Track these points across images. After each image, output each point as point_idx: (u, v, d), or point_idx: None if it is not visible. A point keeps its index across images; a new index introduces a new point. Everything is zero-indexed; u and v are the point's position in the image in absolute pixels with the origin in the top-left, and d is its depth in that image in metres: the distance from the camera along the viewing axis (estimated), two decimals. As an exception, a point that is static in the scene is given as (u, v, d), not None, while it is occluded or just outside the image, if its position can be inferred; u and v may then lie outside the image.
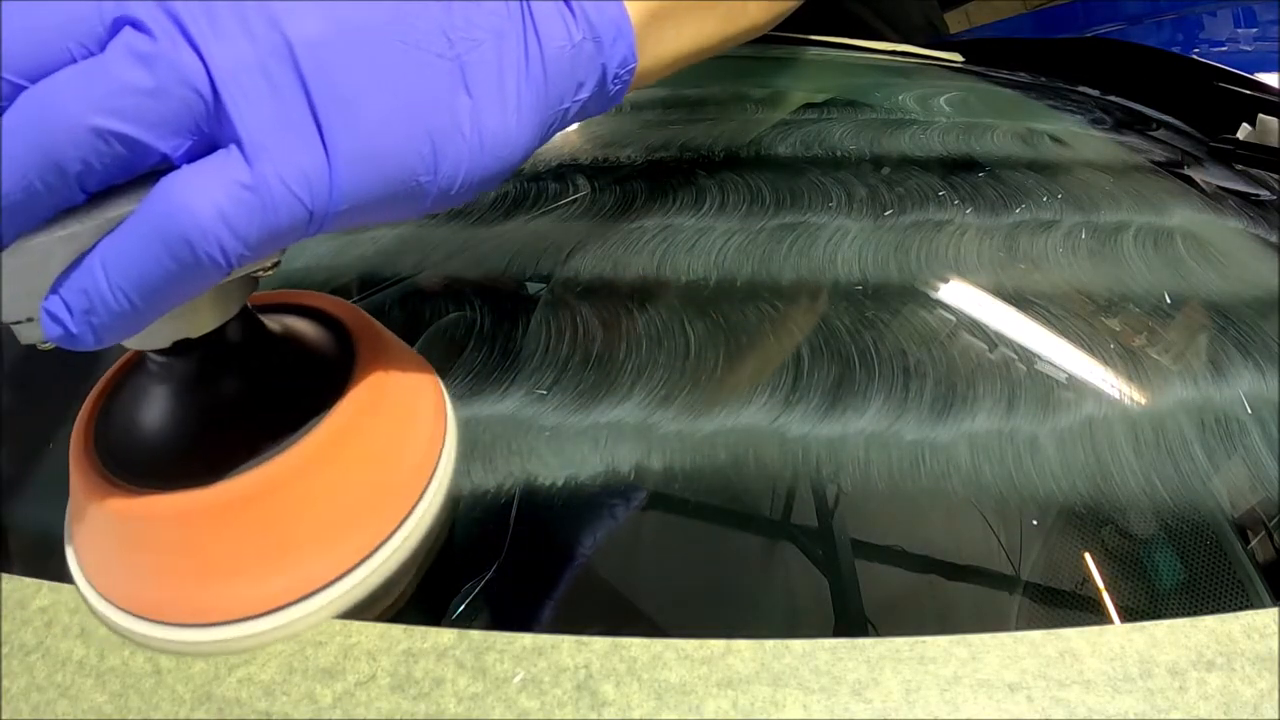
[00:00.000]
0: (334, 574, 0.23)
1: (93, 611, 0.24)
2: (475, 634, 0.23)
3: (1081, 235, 0.42)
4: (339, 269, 0.47)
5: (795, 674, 0.22)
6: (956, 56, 0.79)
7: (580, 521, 0.30)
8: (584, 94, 0.24)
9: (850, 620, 0.28)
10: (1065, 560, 0.29)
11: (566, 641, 0.23)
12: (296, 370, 0.25)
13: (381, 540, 0.23)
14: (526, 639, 0.23)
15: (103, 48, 0.17)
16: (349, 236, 0.52)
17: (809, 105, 0.59)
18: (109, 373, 0.26)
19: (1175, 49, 0.93)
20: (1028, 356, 0.35)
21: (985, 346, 0.35)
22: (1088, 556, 0.29)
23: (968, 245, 0.40)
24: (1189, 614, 0.23)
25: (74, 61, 0.17)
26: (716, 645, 0.22)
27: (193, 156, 0.17)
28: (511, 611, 0.27)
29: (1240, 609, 0.23)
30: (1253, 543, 0.30)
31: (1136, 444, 0.31)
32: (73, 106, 0.16)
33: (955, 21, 1.36)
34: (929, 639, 0.23)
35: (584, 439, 0.31)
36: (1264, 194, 0.49)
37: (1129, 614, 0.27)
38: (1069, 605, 0.28)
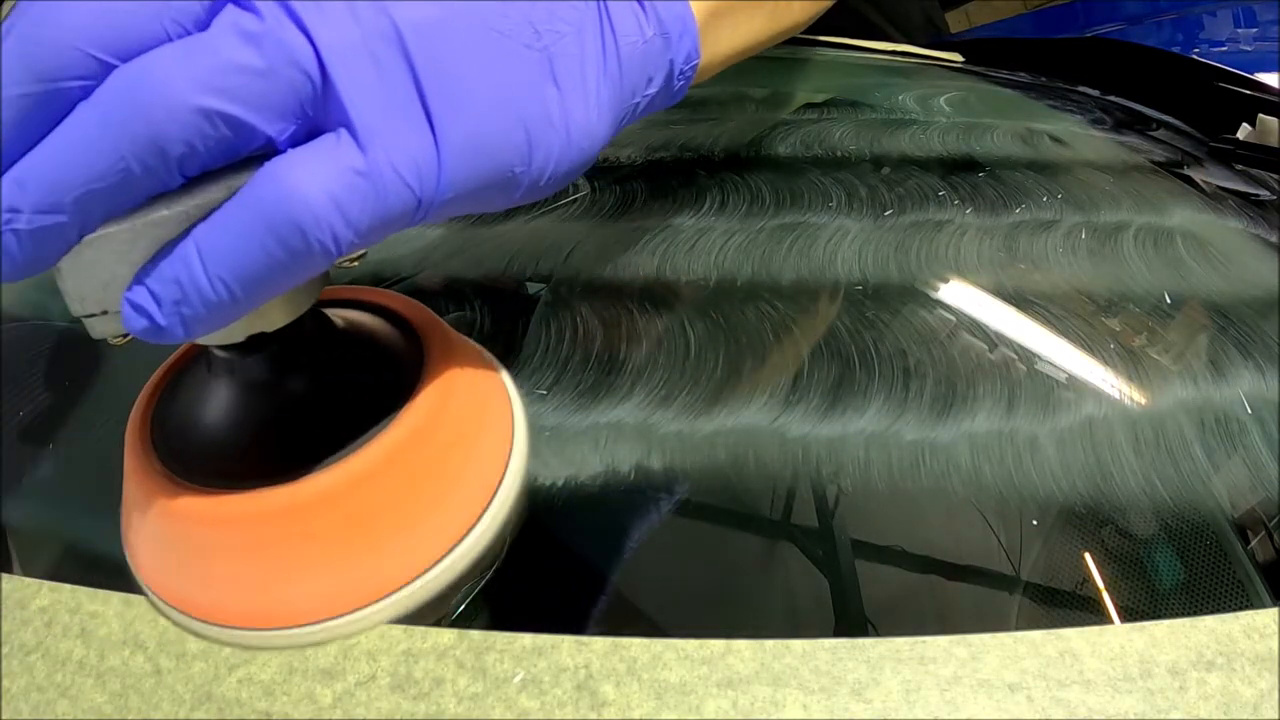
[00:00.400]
0: (410, 575, 0.22)
1: (164, 615, 0.24)
2: (475, 634, 0.23)
3: (1081, 235, 0.42)
4: (339, 269, 0.47)
5: (795, 674, 0.22)
6: (956, 56, 0.79)
7: (579, 521, 0.30)
8: (653, 89, 0.24)
9: (850, 620, 0.28)
10: (1065, 560, 0.29)
11: (566, 641, 0.23)
12: (367, 368, 0.24)
13: (455, 541, 0.23)
14: (526, 639, 0.23)
15: (201, 27, 0.16)
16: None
17: (809, 105, 0.59)
18: (162, 369, 0.26)
19: (1175, 49, 0.93)
20: (1028, 356, 0.35)
21: (985, 346, 0.35)
22: (1088, 556, 0.29)
23: (968, 245, 0.40)
24: (1189, 614, 0.23)
25: (169, 40, 0.15)
26: (716, 645, 0.22)
27: (295, 141, 0.17)
28: (512, 611, 0.27)
29: (1240, 609, 0.23)
30: (1253, 543, 0.30)
31: (1136, 444, 0.31)
32: (177, 85, 0.15)
33: (955, 21, 1.36)
34: (929, 639, 0.23)
35: (584, 439, 0.31)
36: (1264, 194, 0.49)
37: (1129, 614, 0.27)
38: (1069, 605, 0.28)
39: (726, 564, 0.30)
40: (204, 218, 0.16)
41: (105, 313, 0.17)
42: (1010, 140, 0.52)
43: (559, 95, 0.20)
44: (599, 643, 0.23)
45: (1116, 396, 0.34)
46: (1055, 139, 0.54)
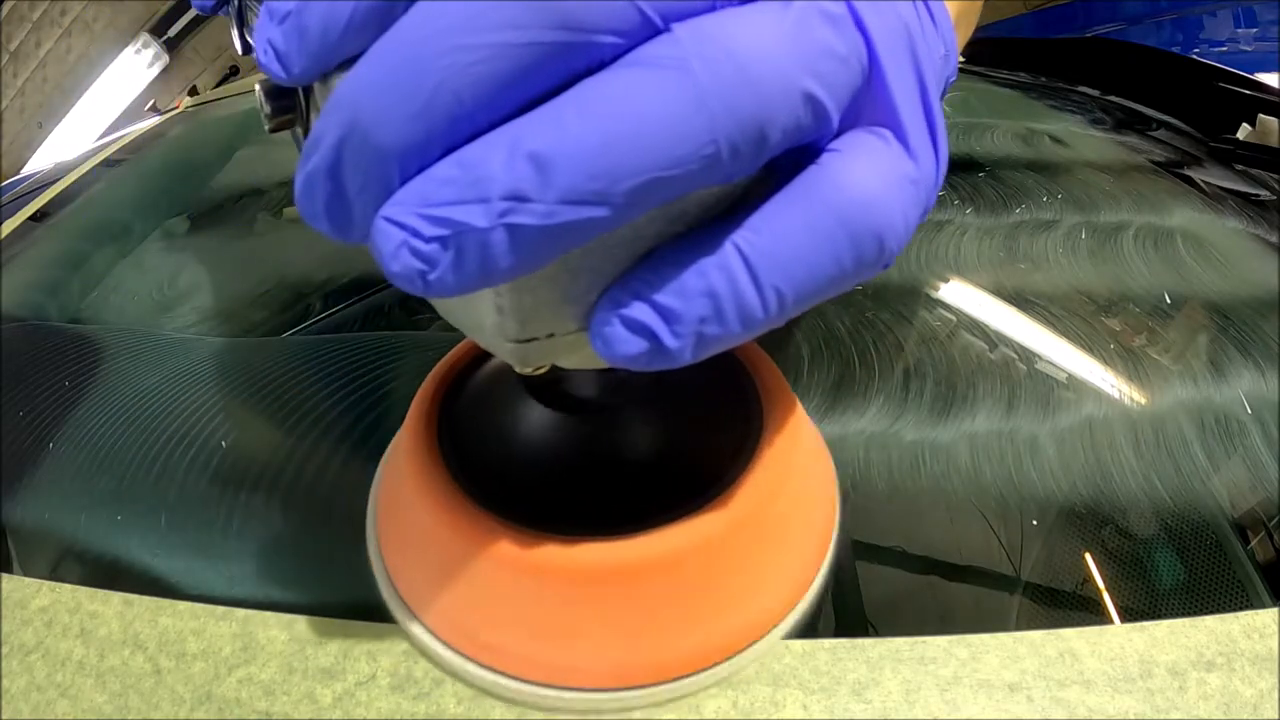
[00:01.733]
0: (749, 638, 0.20)
1: (430, 657, 0.21)
2: (475, 634, 0.23)
3: (1081, 235, 0.42)
4: (339, 269, 0.47)
5: (795, 674, 0.22)
6: (956, 56, 0.78)
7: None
8: None
9: (850, 620, 0.28)
10: (1065, 560, 0.29)
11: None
12: (705, 413, 0.22)
13: (789, 607, 0.21)
14: (526, 639, 0.23)
15: None
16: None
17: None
18: (437, 381, 0.23)
19: (1175, 49, 0.93)
20: (1028, 356, 0.35)
21: (985, 346, 0.35)
22: (1088, 556, 0.29)
23: (968, 245, 0.40)
24: (1189, 614, 0.23)
25: (713, 8, 0.12)
26: (716, 645, 0.22)
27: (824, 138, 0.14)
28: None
29: (1240, 609, 0.23)
30: (1253, 543, 0.30)
31: (1136, 444, 0.31)
32: (785, 63, 0.12)
33: (955, 21, 1.36)
34: (929, 639, 0.23)
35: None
36: (1264, 194, 0.49)
37: (1129, 614, 0.27)
38: (1069, 605, 0.28)
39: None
40: (704, 216, 0.14)
41: (551, 336, 0.14)
42: (1010, 140, 0.52)
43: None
44: (599, 643, 0.23)
45: (1116, 396, 0.34)
46: (1055, 139, 0.54)
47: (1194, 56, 0.72)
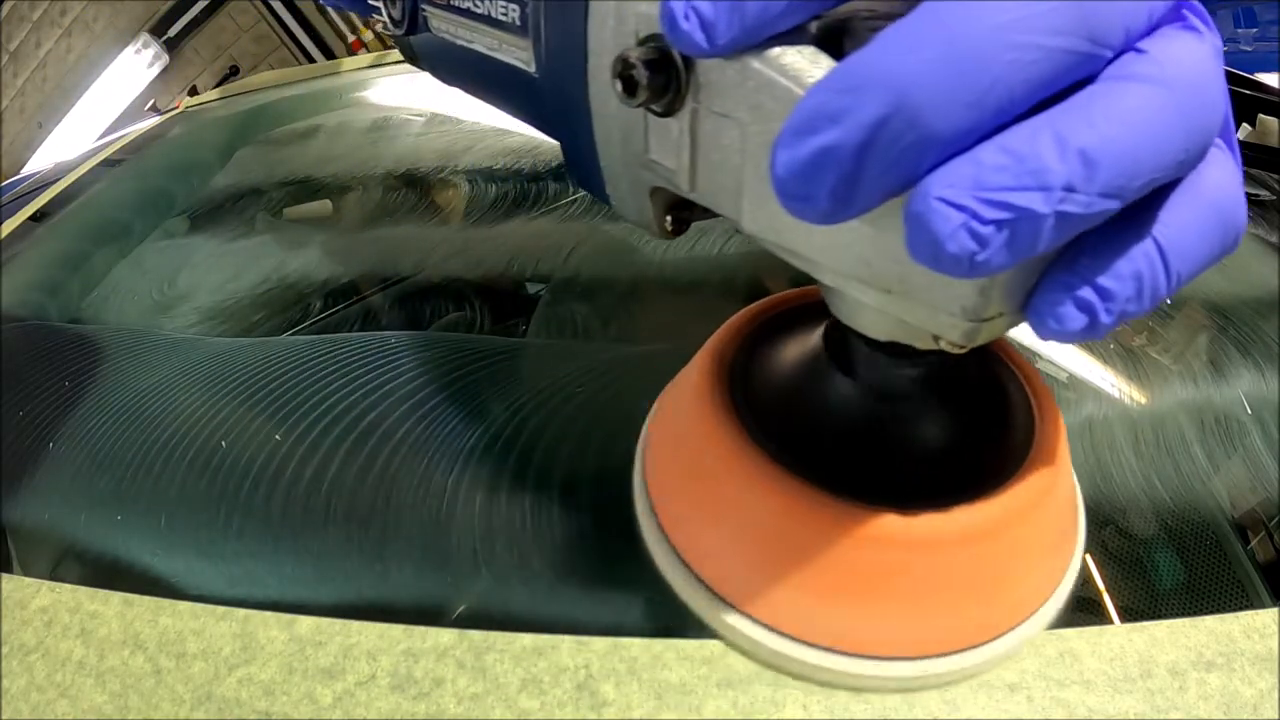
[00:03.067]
0: (1028, 610, 0.21)
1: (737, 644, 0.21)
2: (475, 634, 0.23)
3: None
4: (340, 269, 0.47)
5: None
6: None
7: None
8: None
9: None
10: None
11: (566, 641, 0.23)
12: (989, 407, 0.22)
13: (1059, 582, 0.22)
14: (526, 639, 0.23)
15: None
16: (350, 236, 0.52)
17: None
18: (719, 351, 0.22)
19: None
20: (1028, 356, 0.35)
21: (985, 346, 0.35)
22: (1088, 557, 0.29)
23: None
24: (1189, 614, 0.23)
25: (1150, 31, 0.14)
26: (716, 645, 0.22)
27: None
28: (512, 611, 0.27)
29: (1240, 609, 0.23)
30: (1253, 543, 0.30)
31: (1136, 444, 0.31)
32: (1217, 89, 0.14)
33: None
34: (929, 639, 0.23)
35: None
36: (1264, 194, 0.49)
37: (1129, 614, 0.27)
38: (1069, 606, 0.28)
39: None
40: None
41: (1000, 316, 0.15)
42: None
43: None
44: (599, 643, 0.23)
45: (1116, 396, 0.34)
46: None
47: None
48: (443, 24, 0.27)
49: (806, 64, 0.14)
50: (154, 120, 0.85)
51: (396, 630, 0.23)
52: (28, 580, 0.26)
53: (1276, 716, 0.21)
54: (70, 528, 0.32)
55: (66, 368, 0.40)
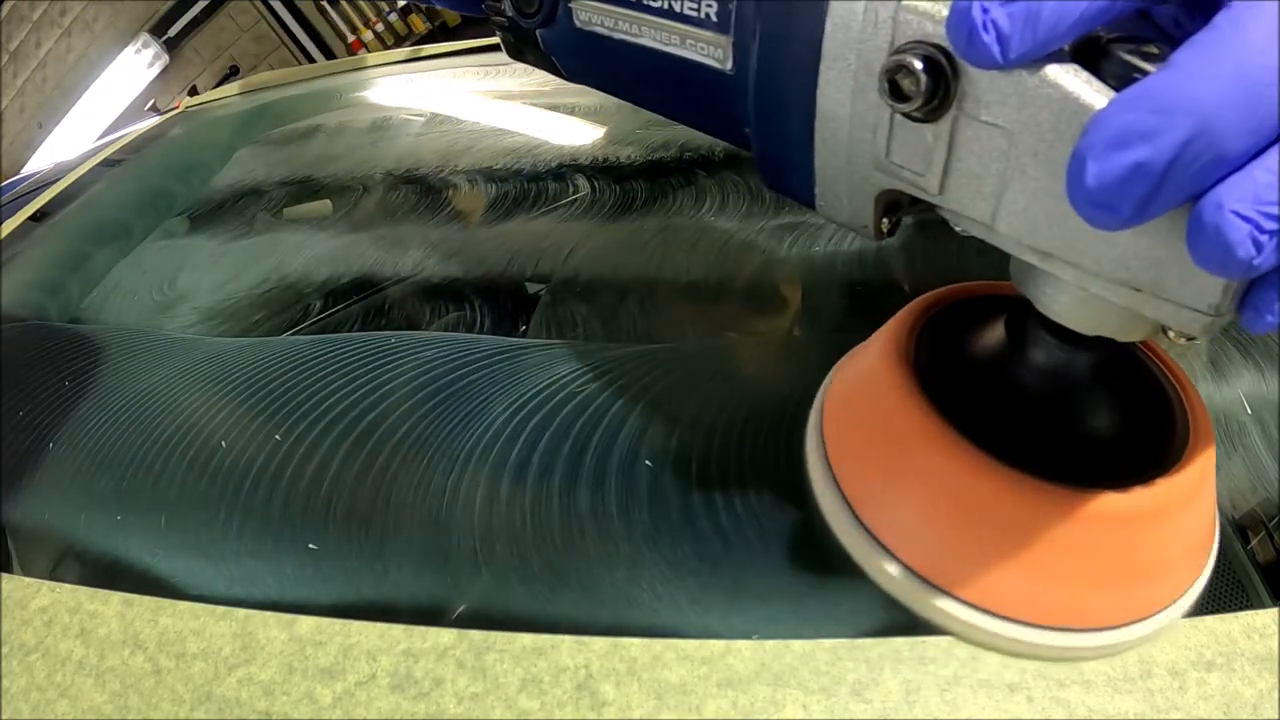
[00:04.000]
0: (1178, 592, 0.22)
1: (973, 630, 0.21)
2: (475, 634, 0.23)
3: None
4: (339, 269, 0.47)
5: (795, 674, 0.22)
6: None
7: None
8: None
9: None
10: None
11: (566, 641, 0.23)
12: (1150, 396, 0.24)
13: (1205, 568, 0.23)
14: (526, 639, 0.23)
15: None
16: (350, 236, 0.52)
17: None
18: (898, 342, 0.23)
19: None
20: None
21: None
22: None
23: (968, 244, 0.40)
24: (1189, 614, 0.23)
25: None
26: (716, 645, 0.22)
27: None
28: (512, 611, 0.27)
29: (1240, 609, 0.23)
30: (1253, 543, 0.30)
31: (1136, 444, 0.31)
32: None
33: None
34: (929, 639, 0.23)
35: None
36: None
37: (1129, 614, 0.27)
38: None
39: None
40: None
41: (1224, 314, 0.16)
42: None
43: None
44: (599, 643, 0.23)
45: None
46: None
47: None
48: (596, 16, 0.26)
49: (1081, 83, 0.16)
50: (154, 120, 0.85)
51: (396, 630, 0.23)
52: (28, 580, 0.26)
53: (1276, 717, 0.21)
54: (70, 528, 0.32)
55: (66, 368, 0.40)
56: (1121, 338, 0.19)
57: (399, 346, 0.37)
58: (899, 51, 0.17)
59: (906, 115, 0.18)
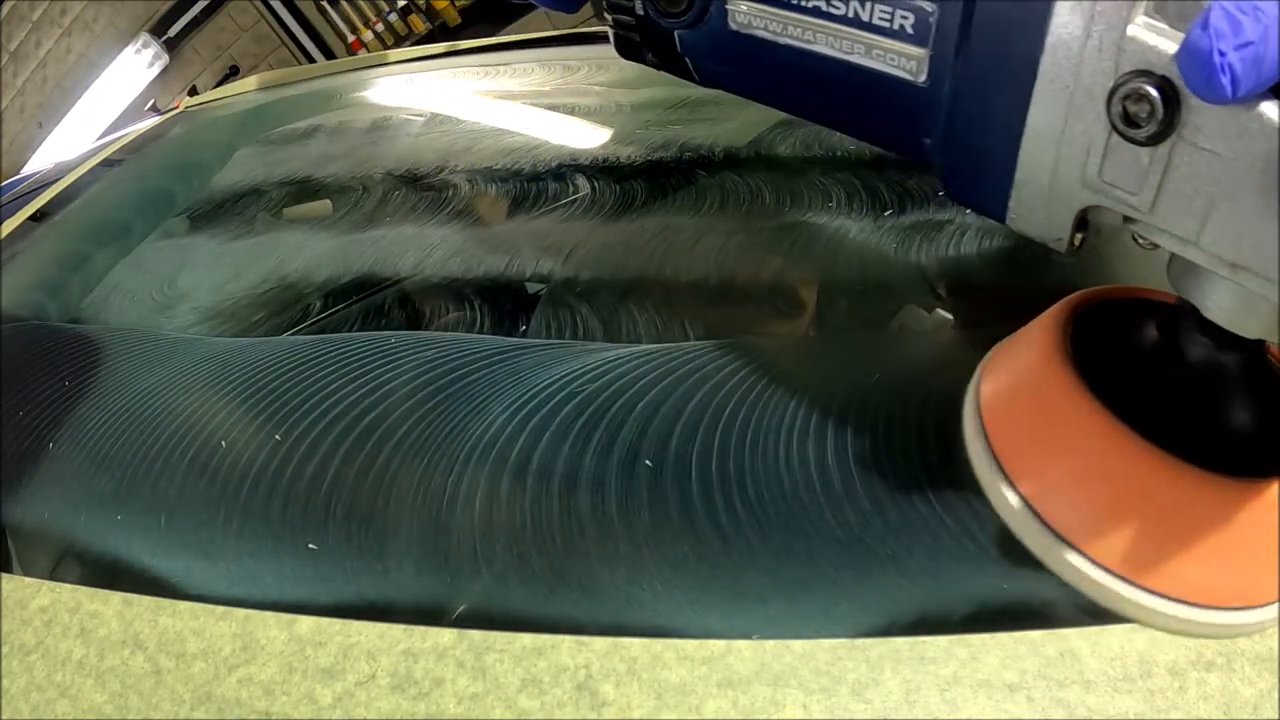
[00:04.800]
0: None
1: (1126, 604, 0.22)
2: (475, 634, 0.23)
3: (1081, 235, 0.42)
4: (339, 269, 0.47)
5: (795, 674, 0.22)
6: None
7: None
8: None
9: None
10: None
11: (566, 641, 0.23)
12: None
13: None
14: (526, 639, 0.23)
15: None
16: (350, 236, 0.52)
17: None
18: (1054, 333, 0.24)
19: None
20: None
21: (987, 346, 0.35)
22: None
23: (968, 245, 0.40)
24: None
25: None
26: (716, 645, 0.22)
27: None
28: (512, 611, 0.27)
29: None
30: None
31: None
32: None
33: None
34: (929, 639, 0.23)
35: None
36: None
37: (1129, 614, 0.27)
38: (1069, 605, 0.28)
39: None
40: None
41: None
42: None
43: None
44: (599, 643, 0.23)
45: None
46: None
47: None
48: (759, 20, 0.25)
49: None
50: (154, 120, 0.85)
51: (396, 630, 0.23)
52: (28, 580, 0.26)
53: (1276, 717, 0.21)
54: (70, 528, 0.32)
55: (66, 368, 0.40)
56: (1275, 339, 0.20)
57: (399, 346, 0.37)
58: (1126, 79, 0.18)
59: (1131, 140, 0.19)
